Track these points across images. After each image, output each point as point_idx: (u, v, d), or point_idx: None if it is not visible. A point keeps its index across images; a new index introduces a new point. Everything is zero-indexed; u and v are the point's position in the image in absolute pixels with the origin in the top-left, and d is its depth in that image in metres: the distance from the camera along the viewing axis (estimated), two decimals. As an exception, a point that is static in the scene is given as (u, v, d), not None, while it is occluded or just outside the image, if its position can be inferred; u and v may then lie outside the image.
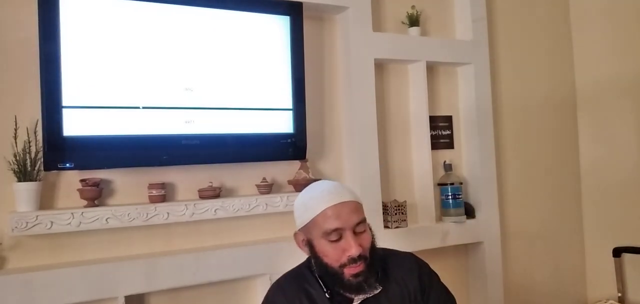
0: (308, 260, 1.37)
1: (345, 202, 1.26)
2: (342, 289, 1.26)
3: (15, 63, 1.64)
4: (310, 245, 1.30)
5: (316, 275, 1.31)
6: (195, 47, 1.80)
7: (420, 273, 1.37)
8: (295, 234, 1.38)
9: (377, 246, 1.32)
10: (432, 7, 2.48)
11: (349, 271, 1.22)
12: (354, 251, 1.21)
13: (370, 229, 1.31)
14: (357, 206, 1.28)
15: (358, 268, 1.22)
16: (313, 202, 1.28)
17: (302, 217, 1.32)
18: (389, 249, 1.42)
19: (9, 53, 1.64)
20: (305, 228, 1.31)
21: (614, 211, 2.73)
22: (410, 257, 1.42)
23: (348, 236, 1.23)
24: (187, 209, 1.76)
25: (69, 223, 1.58)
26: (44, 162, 1.59)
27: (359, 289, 1.24)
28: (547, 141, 2.80)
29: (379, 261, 1.30)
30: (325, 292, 1.28)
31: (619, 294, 2.62)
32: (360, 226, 1.26)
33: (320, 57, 2.19)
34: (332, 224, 1.23)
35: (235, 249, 1.85)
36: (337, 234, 1.24)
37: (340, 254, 1.23)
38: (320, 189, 1.30)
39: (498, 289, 2.42)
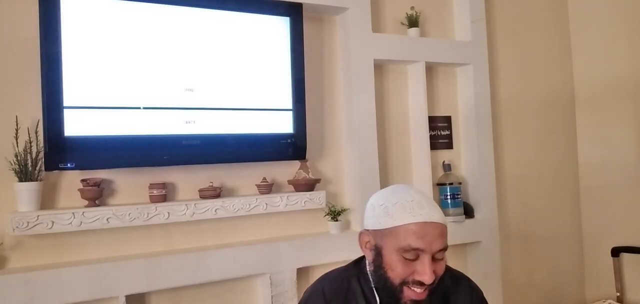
0: (356, 267, 1.26)
1: (434, 223, 1.11)
2: None
3: (16, 63, 1.65)
4: (377, 252, 1.16)
5: (364, 289, 1.20)
6: (196, 48, 1.81)
7: (472, 302, 1.29)
8: (361, 234, 1.22)
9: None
10: (431, 8, 2.49)
11: (409, 293, 1.12)
12: (427, 279, 1.08)
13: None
14: (444, 231, 1.14)
15: (422, 294, 1.11)
16: (397, 209, 1.13)
17: (377, 220, 1.16)
18: (449, 269, 1.28)
19: (10, 53, 1.65)
20: (378, 233, 1.16)
21: (612, 210, 2.74)
22: (465, 282, 1.32)
23: (426, 260, 1.09)
24: (187, 208, 1.77)
25: (70, 223, 1.59)
26: (45, 162, 1.60)
27: None
28: (545, 141, 2.81)
29: (444, 287, 1.21)
30: None
31: (618, 294, 2.63)
32: (440, 253, 1.12)
33: (320, 58, 2.20)
34: (415, 242, 1.09)
35: (236, 249, 1.85)
36: (414, 254, 1.10)
37: (408, 273, 1.11)
38: (410, 199, 1.14)
39: (497, 288, 2.43)
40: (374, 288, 1.18)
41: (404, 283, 1.11)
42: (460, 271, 1.38)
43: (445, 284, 1.23)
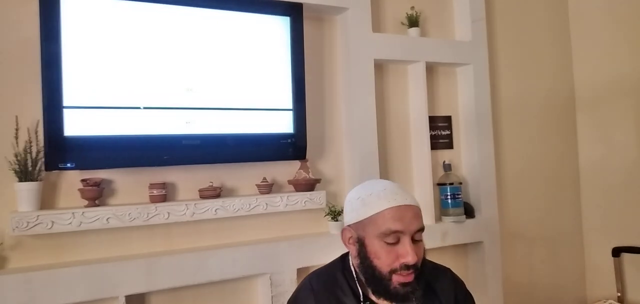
0: (341, 262, 1.32)
1: (409, 205, 1.19)
2: (385, 297, 1.20)
3: (16, 63, 1.65)
4: (360, 244, 1.21)
5: (350, 282, 1.25)
6: (196, 47, 1.81)
7: (456, 293, 1.33)
8: (344, 231, 1.28)
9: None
10: (431, 7, 2.49)
11: (397, 279, 1.16)
12: (410, 259, 1.14)
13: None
14: (418, 212, 1.21)
15: (409, 277, 1.16)
16: (373, 199, 1.20)
17: (356, 213, 1.23)
18: (429, 261, 1.34)
19: (10, 53, 1.65)
20: (359, 225, 1.22)
21: (613, 210, 2.74)
22: (448, 273, 1.37)
23: (406, 241, 1.16)
24: (187, 209, 1.77)
25: (70, 223, 1.59)
26: (45, 162, 1.60)
27: (404, 299, 1.18)
28: (546, 141, 2.81)
29: (425, 274, 1.24)
30: (361, 302, 1.23)
31: (619, 294, 2.62)
32: (418, 234, 1.19)
33: (320, 58, 2.19)
34: (393, 225, 1.15)
35: (236, 249, 1.85)
36: (395, 237, 1.16)
37: (393, 259, 1.16)
38: (383, 187, 1.22)
39: (498, 289, 2.42)
40: (358, 280, 1.24)
41: (392, 271, 1.16)
42: (462, 270, 1.40)
43: (429, 273, 1.28)
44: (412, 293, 1.17)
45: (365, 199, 1.22)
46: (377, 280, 1.18)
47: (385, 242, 1.16)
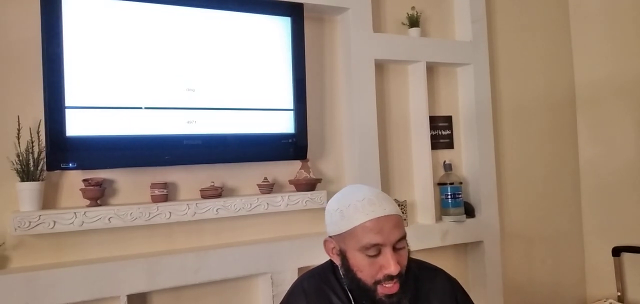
0: (331, 263, 1.32)
1: (388, 216, 1.17)
2: None
3: (18, 63, 1.65)
4: (343, 256, 1.21)
5: (342, 283, 1.26)
6: (197, 48, 1.81)
7: (456, 294, 1.33)
8: (326, 242, 1.28)
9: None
10: (431, 8, 2.50)
11: (382, 290, 1.16)
12: (393, 270, 1.14)
13: (407, 243, 1.23)
14: (399, 221, 1.19)
15: (393, 287, 1.16)
16: (351, 211, 1.19)
17: (336, 225, 1.22)
18: (419, 261, 1.35)
19: (12, 53, 1.65)
20: (339, 237, 1.22)
21: (613, 210, 2.74)
22: (442, 274, 1.36)
23: (387, 252, 1.15)
24: (189, 208, 1.77)
25: (72, 223, 1.59)
26: (47, 162, 1.60)
27: None
28: (546, 140, 2.81)
29: (413, 277, 1.25)
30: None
31: (619, 293, 2.63)
32: (400, 242, 1.18)
33: (320, 58, 2.20)
34: (373, 239, 1.15)
35: (237, 249, 1.86)
36: (375, 250, 1.15)
37: (376, 270, 1.16)
38: (361, 198, 1.20)
39: (498, 288, 2.43)
40: (347, 289, 1.24)
41: (376, 282, 1.16)
42: (462, 270, 1.40)
43: (415, 275, 1.28)
44: (398, 302, 1.17)
45: (344, 211, 1.20)
46: (363, 290, 1.18)
47: (366, 254, 1.16)
